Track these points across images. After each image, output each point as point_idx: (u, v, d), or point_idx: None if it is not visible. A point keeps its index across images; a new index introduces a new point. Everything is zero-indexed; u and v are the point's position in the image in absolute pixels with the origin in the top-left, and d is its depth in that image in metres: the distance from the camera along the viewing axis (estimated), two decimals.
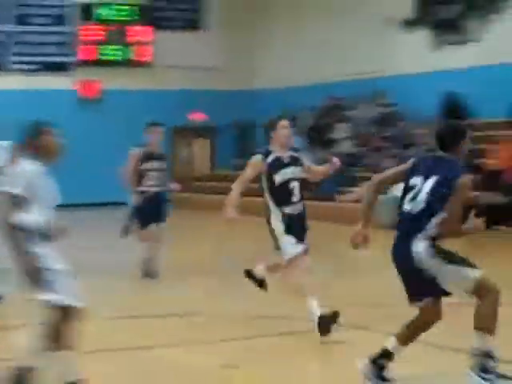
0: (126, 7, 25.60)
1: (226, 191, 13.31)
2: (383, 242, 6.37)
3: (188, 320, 8.61)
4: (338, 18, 23.90)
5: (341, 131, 21.97)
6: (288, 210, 7.44)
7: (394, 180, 5.73)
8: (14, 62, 24.46)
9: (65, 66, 24.79)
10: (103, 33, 24.96)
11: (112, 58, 25.09)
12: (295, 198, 7.45)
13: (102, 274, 10.80)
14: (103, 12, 25.01)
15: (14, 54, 24.71)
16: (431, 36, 20.77)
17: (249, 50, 26.79)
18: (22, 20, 24.71)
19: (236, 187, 7.76)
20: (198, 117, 25.90)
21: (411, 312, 5.65)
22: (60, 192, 5.99)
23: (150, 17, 25.54)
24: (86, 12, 24.84)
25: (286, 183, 7.55)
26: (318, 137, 22.50)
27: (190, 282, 11.33)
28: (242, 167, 17.07)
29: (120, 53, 25.22)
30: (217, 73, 25.64)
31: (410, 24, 21.03)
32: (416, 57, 21.23)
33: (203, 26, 26.47)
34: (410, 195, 5.35)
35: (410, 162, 5.55)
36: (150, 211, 10.23)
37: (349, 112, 22.62)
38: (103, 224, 19.55)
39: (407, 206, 5.30)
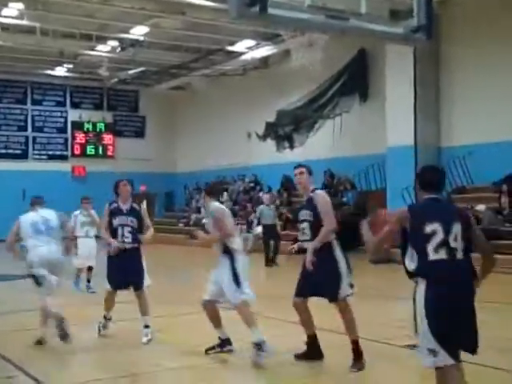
0: (100, 124, 30.72)
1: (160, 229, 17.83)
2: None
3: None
4: (221, 133, 28.22)
5: (224, 196, 25.95)
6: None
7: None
8: (34, 154, 29.65)
9: (64, 156, 30.20)
10: (87, 138, 30.40)
11: (92, 152, 30.54)
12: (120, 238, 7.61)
13: None
14: (87, 126, 30.51)
15: (34, 149, 29.62)
16: (275, 143, 23.75)
17: (171, 148, 32.03)
18: (37, 128, 29.77)
19: (103, 231, 7.86)
20: (143, 188, 29.30)
21: None
22: None
23: (114, 129, 31.22)
24: (78, 126, 30.40)
25: (118, 227, 7.67)
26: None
27: None
28: (168, 217, 22.39)
29: (96, 150, 30.75)
30: (152, 162, 30.79)
31: (263, 137, 24.27)
32: (266, 155, 24.74)
33: (144, 135, 32.16)
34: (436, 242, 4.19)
35: (403, 211, 4.37)
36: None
37: (228, 185, 27.47)
38: None
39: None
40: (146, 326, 7.69)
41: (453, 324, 4.11)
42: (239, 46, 24.00)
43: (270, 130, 24.21)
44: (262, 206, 19.04)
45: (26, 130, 29.62)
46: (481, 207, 16.11)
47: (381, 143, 19.47)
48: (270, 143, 24.05)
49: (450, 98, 19.08)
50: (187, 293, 11.61)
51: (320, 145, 22.70)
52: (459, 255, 4.25)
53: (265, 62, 25.53)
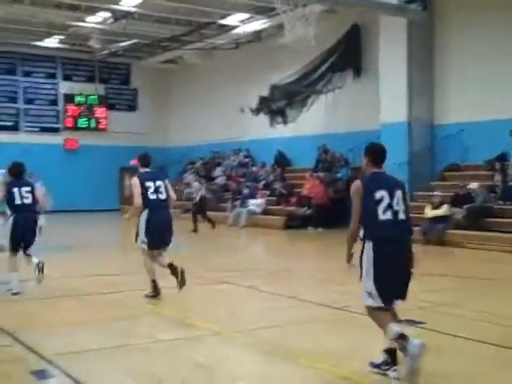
0: (93, 96, 30.55)
1: None
2: None
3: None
4: (214, 107, 28.19)
5: (218, 171, 26.80)
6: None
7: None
8: (25, 126, 29.53)
9: (56, 129, 30.14)
10: (79, 111, 30.26)
11: (84, 125, 30.44)
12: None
13: None
14: (79, 99, 30.33)
15: (25, 121, 29.47)
16: (268, 118, 23.77)
17: (164, 123, 32.04)
18: (28, 100, 29.64)
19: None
20: (134, 162, 30.63)
21: None
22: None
23: (106, 102, 31.08)
24: (69, 98, 30.26)
25: None
26: (205, 174, 26.89)
27: None
28: None
29: (88, 123, 30.58)
30: (145, 136, 30.54)
31: (256, 111, 24.19)
32: (260, 129, 24.83)
33: (137, 109, 32.07)
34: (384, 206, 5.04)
35: (360, 185, 5.14)
36: None
37: (222, 160, 27.65)
38: None
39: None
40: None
41: (389, 273, 5.04)
42: (232, 20, 23.90)
43: (264, 105, 24.17)
44: None
45: (16, 102, 29.50)
46: (474, 185, 16.22)
47: (374, 120, 19.47)
48: (264, 118, 24.06)
49: (444, 75, 19.07)
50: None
51: (313, 120, 22.77)
52: (401, 216, 5.19)
53: (258, 36, 25.31)
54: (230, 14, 23.38)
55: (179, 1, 21.98)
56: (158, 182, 8.70)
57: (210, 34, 25.83)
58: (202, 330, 6.92)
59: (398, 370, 5.09)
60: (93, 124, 30.82)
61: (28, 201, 9.33)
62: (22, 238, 9.26)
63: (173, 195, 8.96)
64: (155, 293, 8.62)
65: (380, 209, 5.12)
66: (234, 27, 24.46)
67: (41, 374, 5.38)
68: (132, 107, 32.11)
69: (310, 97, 22.51)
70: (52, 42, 28.38)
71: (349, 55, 21.66)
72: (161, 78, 32.03)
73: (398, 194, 5.21)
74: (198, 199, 20.68)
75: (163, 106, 32.26)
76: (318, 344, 6.31)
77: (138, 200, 8.51)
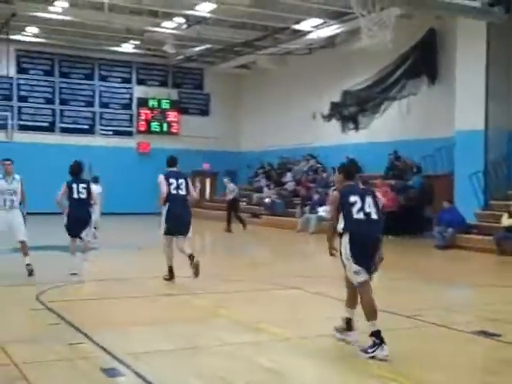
0: (165, 101, 31.01)
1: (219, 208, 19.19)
2: None
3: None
4: (285, 112, 28.39)
5: (288, 176, 26.69)
6: None
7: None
8: (100, 130, 30.24)
9: (130, 133, 30.67)
10: (152, 115, 30.75)
11: (156, 129, 30.92)
12: None
13: None
14: (152, 103, 30.86)
15: (100, 125, 30.21)
16: (340, 124, 23.73)
17: (235, 127, 32.19)
18: (103, 104, 30.33)
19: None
20: (206, 166, 30.57)
21: None
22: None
23: (179, 106, 31.48)
24: (143, 102, 30.82)
25: None
26: (276, 179, 27.35)
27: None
28: None
29: (161, 126, 31.10)
30: (216, 140, 30.99)
31: (328, 117, 24.17)
32: (332, 135, 24.71)
33: (209, 113, 32.31)
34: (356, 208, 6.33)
35: (337, 195, 6.49)
36: None
37: (293, 165, 27.41)
38: None
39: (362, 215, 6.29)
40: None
41: (364, 256, 6.41)
42: (306, 25, 23.90)
43: (335, 111, 24.17)
44: None
45: (93, 105, 30.23)
46: None
47: (449, 126, 19.04)
48: (335, 124, 24.01)
49: None
50: (248, 270, 11.96)
51: (385, 127, 22.60)
52: (373, 216, 6.47)
53: (331, 41, 25.25)
54: (303, 19, 23.42)
55: (254, 6, 22.07)
56: (180, 180, 10.12)
57: (283, 39, 25.90)
58: (269, 335, 6.92)
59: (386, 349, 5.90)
60: (165, 128, 31.33)
61: (83, 196, 10.92)
62: (77, 225, 10.93)
63: (193, 193, 10.46)
64: (170, 276, 10.17)
65: (354, 210, 6.41)
66: (308, 32, 24.47)
67: (111, 372, 5.47)
68: (204, 112, 32.47)
69: (383, 103, 22.37)
70: (128, 48, 29.04)
71: (424, 61, 21.32)
72: (233, 82, 32.25)
73: (369, 199, 6.50)
74: (230, 198, 21.81)
75: (235, 110, 32.48)
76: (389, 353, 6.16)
77: (163, 191, 9.97)
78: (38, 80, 29.37)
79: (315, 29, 23.96)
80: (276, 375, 5.54)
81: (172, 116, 31.37)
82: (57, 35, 27.06)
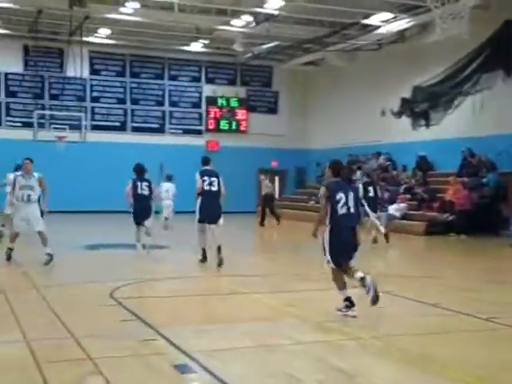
0: (234, 99, 31.36)
1: (291, 206, 19.85)
2: None
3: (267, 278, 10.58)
4: (354, 109, 28.26)
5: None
6: None
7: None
8: (170, 128, 30.73)
9: (199, 131, 31.15)
10: (220, 113, 31.10)
11: (225, 127, 31.22)
12: None
13: None
14: (221, 101, 31.21)
15: (170, 124, 30.70)
16: (410, 121, 23.45)
17: (303, 125, 32.22)
18: (173, 103, 30.82)
19: None
20: (274, 163, 30.84)
21: None
22: None
23: (247, 105, 31.76)
24: (212, 101, 31.17)
25: None
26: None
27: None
28: (299, 193, 23.57)
29: (229, 125, 31.38)
30: (284, 138, 31.26)
31: (398, 114, 23.91)
32: (401, 132, 24.55)
33: (277, 111, 32.44)
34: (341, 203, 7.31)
35: (326, 190, 7.50)
36: None
37: (362, 163, 25.68)
38: None
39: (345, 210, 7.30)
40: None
41: (341, 248, 7.46)
42: (375, 19, 23.65)
43: (406, 107, 23.83)
44: None
45: (163, 104, 30.66)
46: None
47: None
48: (405, 120, 23.70)
49: None
50: (317, 269, 11.87)
51: (458, 123, 22.11)
52: (352, 210, 7.48)
53: (401, 35, 24.92)
54: (373, 14, 23.16)
55: (322, 2, 21.98)
56: (213, 178, 11.62)
57: (352, 35, 25.75)
58: (340, 334, 6.88)
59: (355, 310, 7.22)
60: (234, 126, 31.56)
61: (146, 192, 13.21)
62: (140, 217, 13.17)
63: (223, 190, 11.67)
64: (203, 257, 11.78)
65: (339, 206, 7.40)
66: (377, 27, 24.21)
67: (183, 368, 5.52)
68: (272, 109, 32.56)
69: (455, 98, 21.91)
70: (197, 47, 29.35)
71: (499, 54, 20.68)
72: (302, 80, 32.20)
73: (351, 195, 7.47)
74: (263, 194, 23.53)
75: (303, 108, 32.45)
76: (461, 355, 6.06)
77: (198, 187, 11.48)
78: (109, 81, 30.02)
79: (385, 23, 23.70)
80: (347, 375, 5.49)
81: (240, 114, 31.63)
82: (127, 36, 27.64)
